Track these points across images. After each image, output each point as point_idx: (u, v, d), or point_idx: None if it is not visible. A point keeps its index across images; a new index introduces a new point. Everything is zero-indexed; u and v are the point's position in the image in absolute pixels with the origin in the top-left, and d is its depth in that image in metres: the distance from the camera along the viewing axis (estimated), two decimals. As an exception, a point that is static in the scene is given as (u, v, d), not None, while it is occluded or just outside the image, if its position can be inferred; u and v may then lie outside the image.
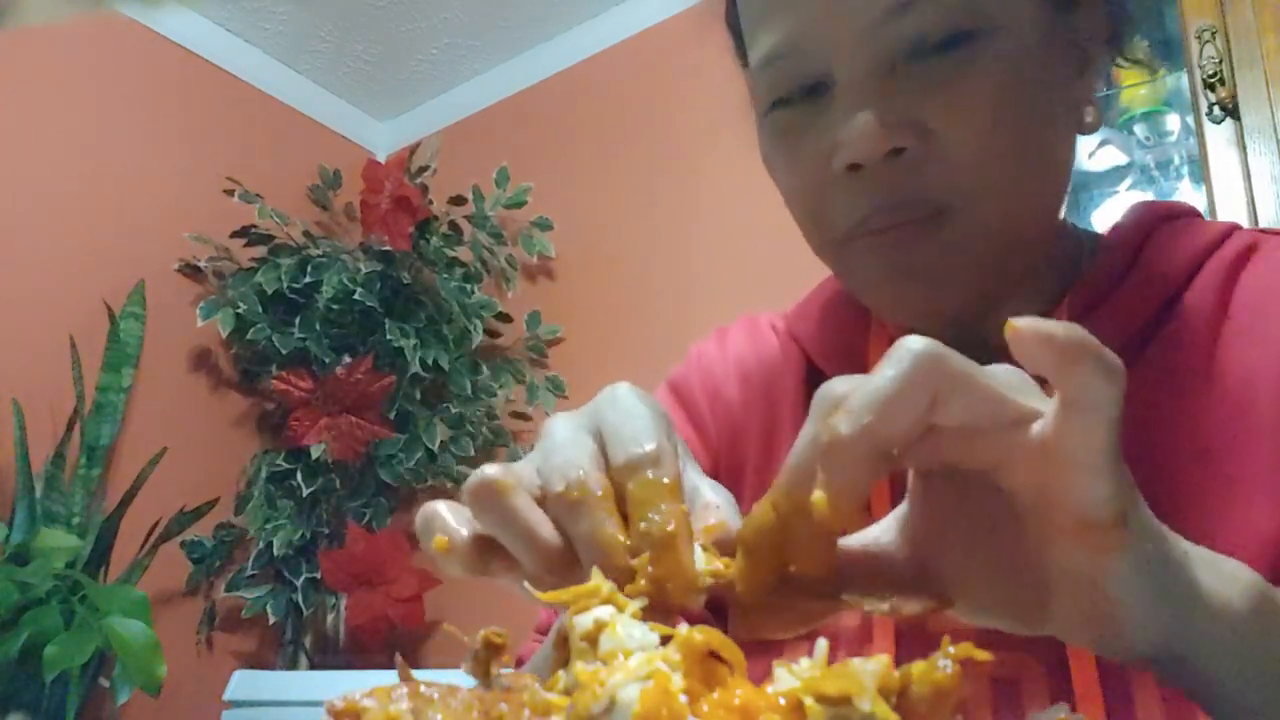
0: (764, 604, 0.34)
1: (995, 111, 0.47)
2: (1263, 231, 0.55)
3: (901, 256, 0.50)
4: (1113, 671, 0.45)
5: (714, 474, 0.62)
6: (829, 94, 0.50)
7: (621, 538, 0.33)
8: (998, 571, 0.34)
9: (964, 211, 0.48)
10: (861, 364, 0.58)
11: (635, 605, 0.29)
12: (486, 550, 0.35)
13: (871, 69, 0.48)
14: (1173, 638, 0.33)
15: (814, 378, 0.61)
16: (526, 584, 0.34)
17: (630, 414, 0.36)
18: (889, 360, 0.30)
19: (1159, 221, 0.56)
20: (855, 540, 0.36)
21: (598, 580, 0.31)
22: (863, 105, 0.48)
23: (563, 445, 0.35)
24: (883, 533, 0.37)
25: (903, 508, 0.37)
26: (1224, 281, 0.52)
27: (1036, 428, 0.31)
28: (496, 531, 0.35)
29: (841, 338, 0.60)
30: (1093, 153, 1.71)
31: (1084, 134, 0.53)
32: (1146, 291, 0.52)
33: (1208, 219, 0.61)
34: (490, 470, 0.34)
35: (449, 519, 0.35)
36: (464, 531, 0.35)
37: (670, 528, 0.32)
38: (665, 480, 0.34)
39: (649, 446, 0.34)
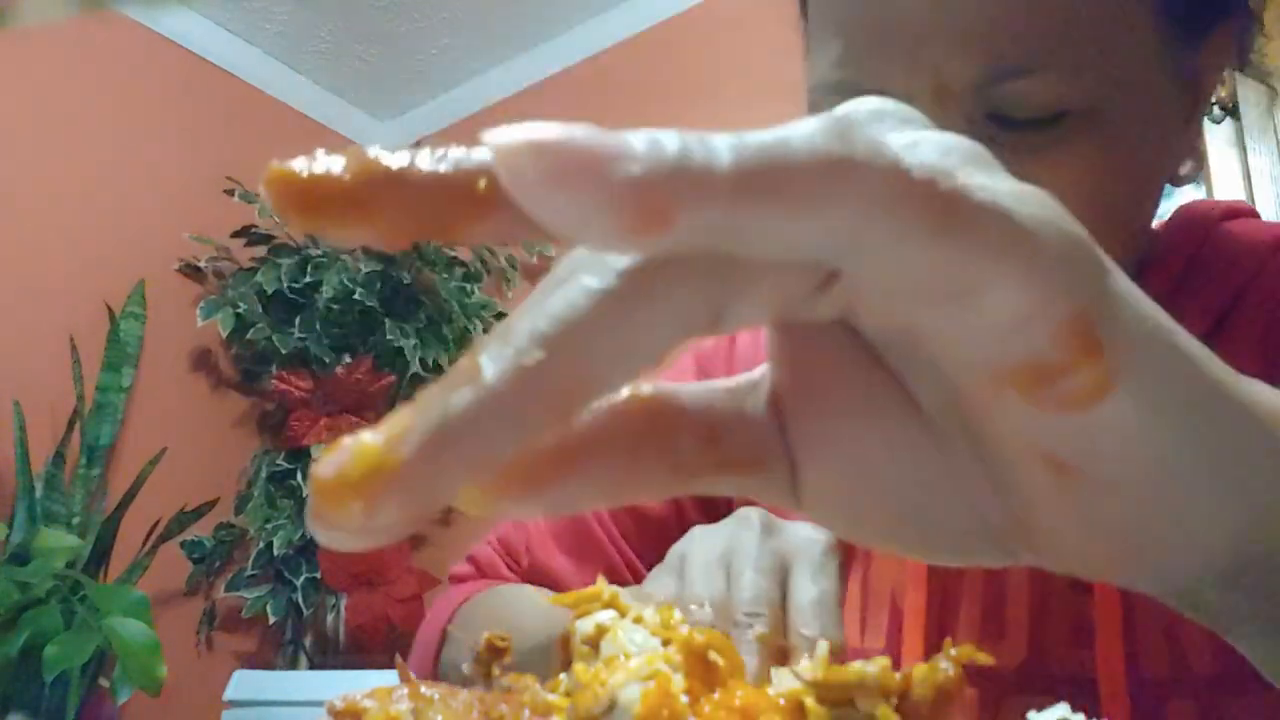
0: None
1: (1082, 199, 0.40)
2: None
3: None
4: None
5: None
6: None
7: None
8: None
9: None
10: None
11: (637, 610, 0.29)
12: None
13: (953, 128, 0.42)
14: (1251, 520, 0.20)
15: None
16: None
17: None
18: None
19: (1218, 220, 0.53)
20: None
21: (600, 584, 0.30)
22: None
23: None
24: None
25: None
26: None
27: None
28: None
29: None
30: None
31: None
32: (1206, 295, 0.49)
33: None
34: None
35: None
36: None
37: None
38: None
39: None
